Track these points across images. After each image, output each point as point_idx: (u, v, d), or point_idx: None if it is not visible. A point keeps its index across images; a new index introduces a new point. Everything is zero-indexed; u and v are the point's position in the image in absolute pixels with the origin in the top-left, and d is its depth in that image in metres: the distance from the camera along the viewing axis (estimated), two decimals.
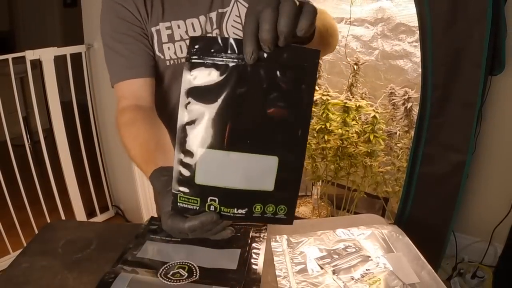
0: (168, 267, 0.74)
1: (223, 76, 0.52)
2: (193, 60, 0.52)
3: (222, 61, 0.52)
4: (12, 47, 4.23)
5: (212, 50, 0.52)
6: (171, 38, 0.89)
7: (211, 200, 0.56)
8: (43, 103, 2.24)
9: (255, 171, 0.55)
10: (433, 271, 0.74)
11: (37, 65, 2.10)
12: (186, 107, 0.53)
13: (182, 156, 0.54)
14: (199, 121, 0.53)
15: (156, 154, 0.73)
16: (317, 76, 1.99)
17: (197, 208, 0.56)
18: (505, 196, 1.77)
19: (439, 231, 1.66)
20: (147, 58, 0.89)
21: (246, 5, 0.90)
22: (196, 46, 0.52)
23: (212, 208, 0.56)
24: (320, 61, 2.04)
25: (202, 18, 0.89)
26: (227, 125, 0.53)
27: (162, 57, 0.90)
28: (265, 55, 0.51)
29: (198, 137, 0.54)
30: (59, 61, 2.13)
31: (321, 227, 0.90)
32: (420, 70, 1.57)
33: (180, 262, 0.75)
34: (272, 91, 0.52)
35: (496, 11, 1.37)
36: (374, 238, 0.85)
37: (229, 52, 0.52)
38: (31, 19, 4.47)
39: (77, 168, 2.33)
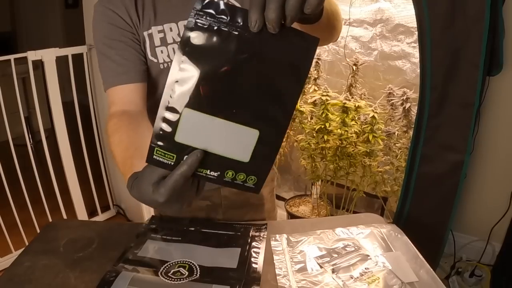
0: (169, 266, 0.74)
1: (223, 42, 0.52)
2: (198, 20, 0.52)
3: (226, 27, 0.52)
4: (14, 48, 4.24)
5: (219, 15, 0.52)
6: (163, 41, 0.89)
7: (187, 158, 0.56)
8: (45, 103, 2.24)
9: (235, 140, 0.55)
10: (431, 270, 0.75)
11: (39, 65, 2.11)
12: (179, 65, 0.53)
13: (165, 112, 0.55)
14: (189, 81, 0.53)
15: (133, 161, 0.73)
16: (317, 73, 2.01)
17: (172, 163, 0.56)
18: (502, 195, 1.77)
19: (438, 230, 1.67)
20: (138, 63, 0.89)
21: (237, 5, 0.90)
22: (204, 8, 0.52)
23: None
24: (320, 62, 2.05)
25: None
26: (216, 91, 0.54)
27: (155, 60, 0.90)
28: (267, 32, 0.51)
29: (185, 96, 0.54)
30: (61, 61, 2.13)
31: (320, 226, 0.91)
32: (418, 70, 1.57)
33: (180, 261, 0.76)
34: (267, 67, 0.53)
35: (494, 12, 1.37)
36: (373, 237, 0.85)
37: (234, 20, 0.52)
38: (33, 20, 4.47)
39: (78, 168, 2.34)
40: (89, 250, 0.83)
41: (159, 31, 0.88)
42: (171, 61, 0.90)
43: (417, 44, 1.54)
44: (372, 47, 1.98)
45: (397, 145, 1.84)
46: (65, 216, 2.30)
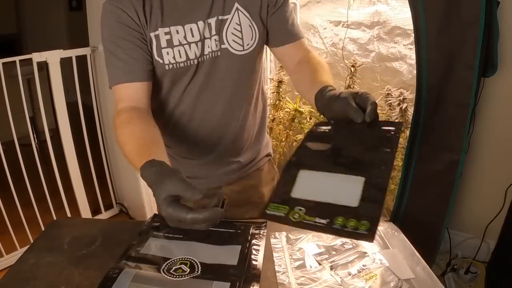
0: (171, 263, 0.75)
1: (334, 129, 0.76)
2: (318, 129, 0.79)
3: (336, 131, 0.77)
4: (19, 50, 4.24)
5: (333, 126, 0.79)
6: (169, 43, 0.89)
7: (298, 209, 0.59)
8: (50, 104, 2.25)
9: (343, 188, 0.62)
10: (427, 266, 0.76)
11: (43, 67, 2.12)
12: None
13: (285, 173, 0.67)
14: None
15: (151, 147, 0.75)
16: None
17: (284, 214, 0.60)
18: (497, 193, 1.78)
19: (434, 228, 1.67)
20: (145, 62, 0.89)
21: (247, 14, 0.91)
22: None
23: (296, 216, 0.59)
24: None
25: (200, 23, 0.89)
26: (329, 155, 0.71)
27: (161, 61, 0.90)
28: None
29: (304, 160, 0.69)
30: (65, 63, 2.14)
31: None
32: (415, 72, 1.58)
33: (182, 258, 0.77)
34: (367, 142, 0.71)
35: (489, 15, 1.38)
36: None
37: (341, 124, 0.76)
38: (37, 23, 4.48)
39: (82, 167, 2.35)
40: (93, 248, 0.84)
41: (166, 33, 0.88)
42: (177, 62, 0.90)
43: (414, 46, 1.55)
44: (369, 49, 1.99)
45: None
46: (69, 214, 2.31)
